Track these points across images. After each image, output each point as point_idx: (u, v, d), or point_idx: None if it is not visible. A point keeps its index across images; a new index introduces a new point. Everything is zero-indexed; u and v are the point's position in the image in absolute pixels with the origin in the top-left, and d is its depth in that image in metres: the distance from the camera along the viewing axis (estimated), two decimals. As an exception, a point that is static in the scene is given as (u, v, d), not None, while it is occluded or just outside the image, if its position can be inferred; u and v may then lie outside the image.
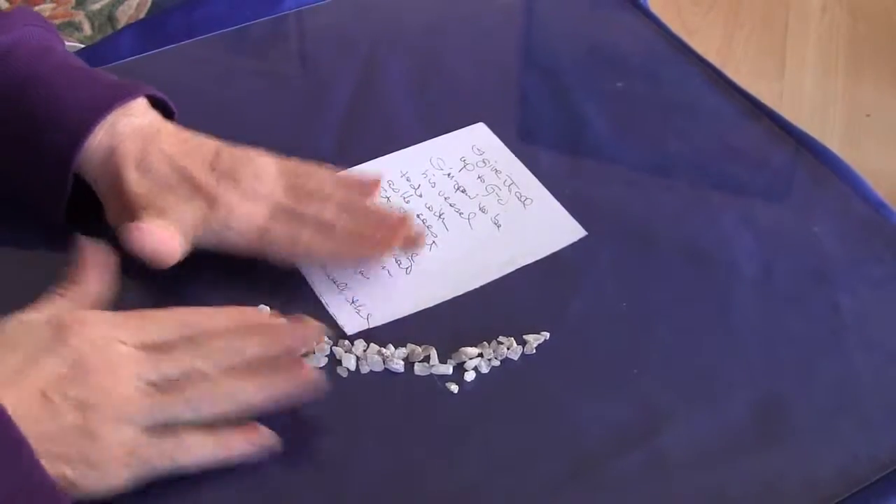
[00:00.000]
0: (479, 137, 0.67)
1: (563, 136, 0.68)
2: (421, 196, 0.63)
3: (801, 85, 1.73)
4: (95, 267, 0.52)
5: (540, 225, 0.62)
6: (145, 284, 0.56)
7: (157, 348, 0.49)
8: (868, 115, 1.70)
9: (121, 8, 1.64)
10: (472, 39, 0.76)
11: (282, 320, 0.52)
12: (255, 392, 0.49)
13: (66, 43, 0.66)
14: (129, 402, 0.46)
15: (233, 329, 0.50)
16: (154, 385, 0.47)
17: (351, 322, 0.56)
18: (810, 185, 0.66)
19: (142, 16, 1.64)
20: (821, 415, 0.53)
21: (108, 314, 0.50)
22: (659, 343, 0.56)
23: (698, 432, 0.52)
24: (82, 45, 1.04)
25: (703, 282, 0.59)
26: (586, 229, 0.61)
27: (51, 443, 0.44)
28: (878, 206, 0.64)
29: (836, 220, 0.63)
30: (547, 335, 0.55)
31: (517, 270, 0.59)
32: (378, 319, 0.56)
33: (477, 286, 0.58)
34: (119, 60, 0.72)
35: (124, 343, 0.48)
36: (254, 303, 0.55)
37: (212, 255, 0.57)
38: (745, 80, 0.74)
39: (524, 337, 0.55)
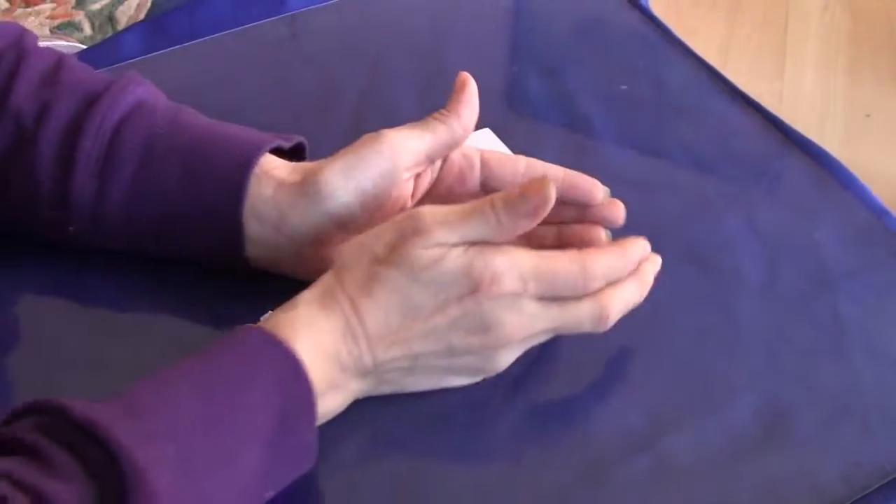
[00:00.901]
0: (485, 143, 0.67)
1: (567, 141, 0.68)
2: (426, 200, 0.63)
3: (801, 85, 1.73)
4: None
5: (544, 230, 0.62)
6: (163, 294, 0.57)
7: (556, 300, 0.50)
8: (868, 115, 1.71)
9: (121, 8, 1.64)
10: (476, 42, 0.76)
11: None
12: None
13: (67, 43, 0.65)
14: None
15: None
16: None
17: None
18: (812, 190, 0.66)
19: (142, 16, 1.64)
20: (824, 420, 0.53)
21: (518, 262, 0.49)
22: (662, 348, 0.56)
23: (702, 437, 0.52)
24: (83, 46, 1.04)
25: (705, 287, 0.59)
26: (590, 234, 0.61)
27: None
28: (879, 212, 0.64)
29: (838, 227, 0.63)
30: None
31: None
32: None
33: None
34: (122, 61, 0.72)
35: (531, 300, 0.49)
36: (262, 308, 0.55)
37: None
38: (745, 80, 0.74)
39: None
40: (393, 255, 0.48)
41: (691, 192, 0.66)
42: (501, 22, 0.78)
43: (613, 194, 0.64)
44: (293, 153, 0.58)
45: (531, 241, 0.55)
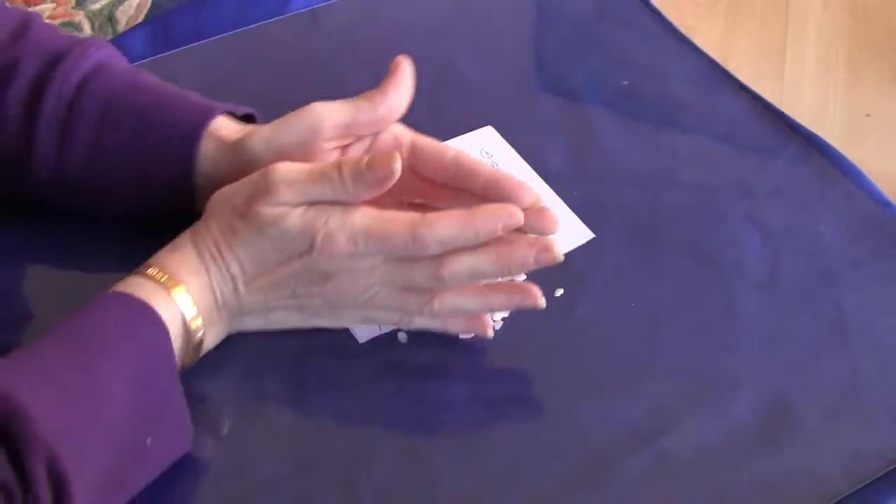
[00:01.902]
0: (487, 140, 0.68)
1: (570, 138, 0.69)
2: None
3: (801, 85, 1.73)
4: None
5: (548, 227, 0.62)
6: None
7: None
8: (868, 115, 1.71)
9: (121, 8, 1.64)
10: (480, 41, 0.76)
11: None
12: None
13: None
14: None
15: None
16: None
17: (362, 329, 0.56)
18: (816, 183, 0.66)
19: (142, 16, 1.64)
20: (826, 414, 0.54)
21: (352, 224, 0.52)
22: (666, 344, 0.57)
23: (705, 432, 0.52)
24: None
25: (709, 282, 0.60)
26: (593, 231, 0.62)
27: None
28: (883, 204, 0.64)
29: (842, 219, 0.64)
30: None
31: (524, 276, 0.59)
32: (389, 326, 0.57)
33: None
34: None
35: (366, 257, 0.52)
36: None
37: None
38: (745, 79, 0.75)
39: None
40: (245, 210, 0.52)
41: (694, 185, 0.66)
42: (506, 21, 0.79)
43: (616, 190, 0.64)
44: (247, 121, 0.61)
45: None
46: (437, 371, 0.55)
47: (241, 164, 0.56)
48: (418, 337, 0.56)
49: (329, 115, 0.56)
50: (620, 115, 0.70)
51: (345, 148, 0.57)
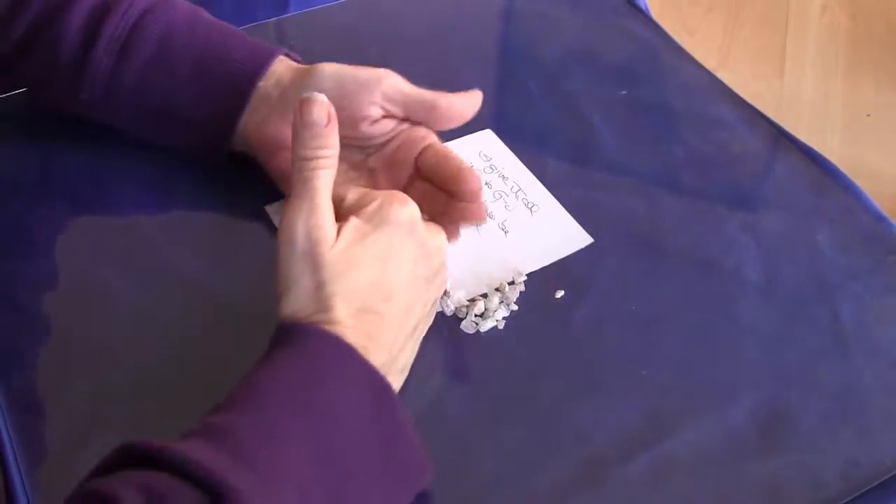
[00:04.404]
0: (486, 144, 0.68)
1: (568, 143, 0.69)
2: (428, 201, 0.63)
3: (801, 85, 1.74)
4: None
5: (547, 232, 0.62)
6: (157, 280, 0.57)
7: None
8: (868, 115, 1.71)
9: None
10: (477, 45, 0.77)
11: None
12: None
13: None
14: None
15: None
16: None
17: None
18: (812, 194, 0.67)
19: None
20: (823, 421, 0.54)
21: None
22: (664, 349, 0.57)
23: (703, 436, 0.53)
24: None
25: (707, 289, 0.60)
26: (592, 236, 0.62)
27: None
28: (879, 215, 0.65)
29: (839, 230, 0.64)
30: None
31: (524, 277, 0.59)
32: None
33: (484, 292, 0.59)
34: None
35: None
36: (268, 298, 0.56)
37: (233, 250, 0.58)
38: (745, 80, 0.75)
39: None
40: None
41: (692, 194, 0.66)
42: (502, 25, 0.79)
43: (614, 197, 0.65)
44: None
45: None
46: (436, 370, 0.55)
47: (302, 87, 0.57)
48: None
49: (398, 79, 0.58)
50: (619, 123, 0.70)
51: (384, 117, 0.58)
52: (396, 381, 0.51)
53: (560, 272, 0.60)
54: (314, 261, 0.47)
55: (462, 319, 0.57)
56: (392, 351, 0.49)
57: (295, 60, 0.62)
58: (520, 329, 0.57)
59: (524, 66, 0.76)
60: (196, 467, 0.38)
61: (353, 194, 0.52)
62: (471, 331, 0.57)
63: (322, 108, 0.49)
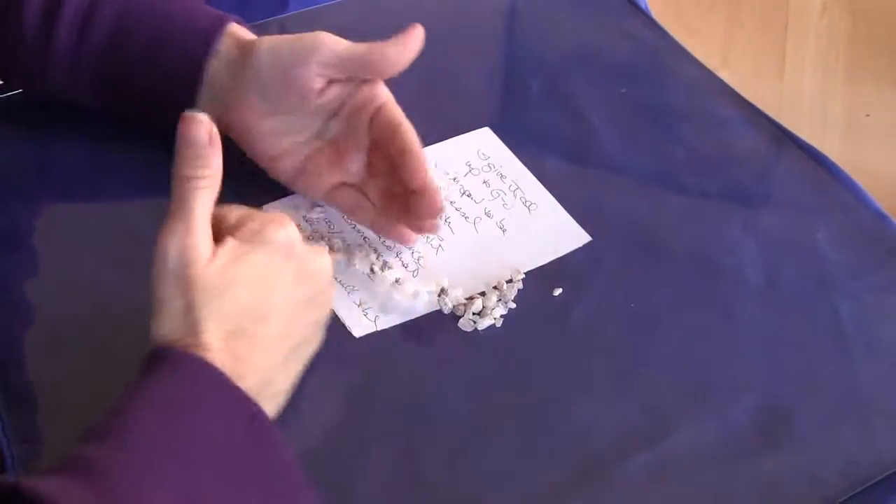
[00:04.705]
0: (484, 142, 0.68)
1: (567, 141, 0.69)
2: (427, 200, 0.63)
3: (801, 85, 1.74)
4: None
5: (545, 230, 0.62)
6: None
7: None
8: (868, 115, 1.71)
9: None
10: (477, 43, 0.77)
11: None
12: None
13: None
14: None
15: None
16: None
17: (359, 324, 0.57)
18: (813, 193, 0.66)
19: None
20: (823, 419, 0.54)
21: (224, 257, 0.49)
22: (664, 348, 0.57)
23: (703, 435, 0.52)
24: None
25: (707, 288, 0.60)
26: (592, 235, 0.62)
27: None
28: (880, 214, 0.65)
29: (839, 229, 0.64)
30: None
31: (522, 275, 0.59)
32: (385, 322, 0.57)
33: (482, 290, 0.59)
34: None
35: None
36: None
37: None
38: (745, 79, 0.75)
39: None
40: None
41: (692, 192, 0.66)
42: (502, 24, 0.79)
43: (614, 196, 0.65)
44: None
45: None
46: (435, 370, 0.55)
47: (245, 67, 0.58)
48: (416, 336, 0.56)
49: (331, 43, 0.58)
50: (619, 123, 0.70)
51: (330, 83, 0.59)
52: (271, 405, 0.49)
53: (558, 270, 0.60)
54: (185, 282, 0.46)
55: (460, 317, 0.57)
56: (266, 375, 0.48)
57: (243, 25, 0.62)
58: (518, 327, 0.57)
59: (524, 65, 0.76)
60: None
61: (234, 214, 0.51)
62: (468, 329, 0.57)
63: (202, 127, 0.49)
